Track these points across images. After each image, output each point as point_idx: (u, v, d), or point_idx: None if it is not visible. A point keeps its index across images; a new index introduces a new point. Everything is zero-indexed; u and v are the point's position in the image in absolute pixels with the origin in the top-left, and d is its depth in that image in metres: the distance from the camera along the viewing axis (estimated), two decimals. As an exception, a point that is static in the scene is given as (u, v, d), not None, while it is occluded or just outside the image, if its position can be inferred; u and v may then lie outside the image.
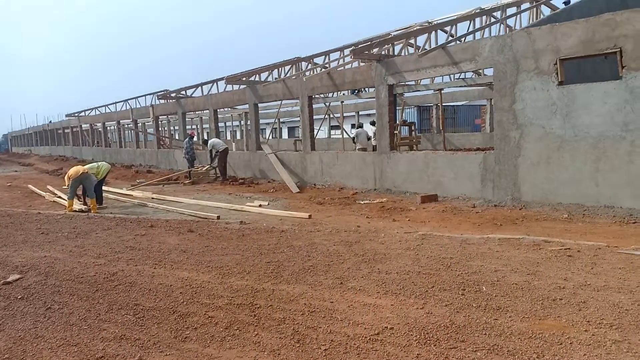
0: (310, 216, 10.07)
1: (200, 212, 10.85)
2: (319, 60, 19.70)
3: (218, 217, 10.22)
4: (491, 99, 26.34)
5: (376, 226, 8.86)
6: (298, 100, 21.26)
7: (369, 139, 20.33)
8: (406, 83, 18.50)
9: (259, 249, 6.91)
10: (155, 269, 6.15)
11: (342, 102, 24.95)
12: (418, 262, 5.85)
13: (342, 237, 7.54)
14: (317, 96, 20.38)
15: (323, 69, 17.33)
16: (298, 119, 39.98)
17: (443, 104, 29.39)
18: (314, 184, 15.36)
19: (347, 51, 19.14)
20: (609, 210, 8.88)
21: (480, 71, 19.23)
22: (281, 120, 39.34)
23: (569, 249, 6.24)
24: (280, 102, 21.52)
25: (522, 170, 10.23)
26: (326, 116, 26.21)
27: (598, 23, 8.84)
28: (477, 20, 15.47)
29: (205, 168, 18.88)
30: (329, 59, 19.56)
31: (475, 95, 26.14)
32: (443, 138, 19.70)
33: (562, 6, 15.07)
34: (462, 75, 20.40)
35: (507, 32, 14.89)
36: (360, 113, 33.45)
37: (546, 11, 16.17)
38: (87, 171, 12.13)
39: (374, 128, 21.33)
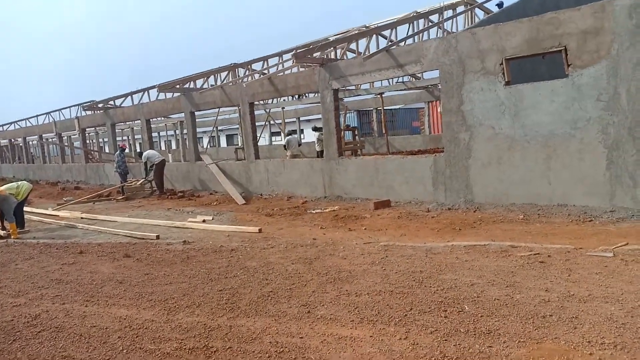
0: (260, 230, 9.38)
1: (136, 232, 9.84)
2: (257, 66, 19.03)
3: (157, 237, 9.29)
4: (429, 102, 26.80)
5: (333, 238, 8.33)
6: (237, 108, 20.42)
7: (299, 145, 20.05)
8: (349, 87, 18.22)
9: (208, 274, 6.16)
10: (86, 307, 5.26)
11: (283, 108, 24.37)
12: (387, 279, 5.37)
13: (299, 254, 6.94)
14: (257, 102, 19.66)
15: (262, 75, 16.69)
16: (236, 126, 38.98)
17: (379, 108, 29.71)
18: (260, 194, 14.64)
19: (286, 56, 18.62)
20: (562, 209, 8.87)
21: (419, 74, 19.37)
22: (219, 128, 38.14)
23: (538, 254, 5.99)
24: (217, 109, 20.64)
25: (473, 171, 10.09)
26: (267, 123, 25.54)
27: (542, 22, 8.83)
28: (416, 23, 15.47)
29: (140, 182, 17.61)
30: (267, 65, 18.93)
31: (414, 99, 26.43)
32: (386, 141, 19.61)
33: (495, 9, 15.36)
34: (402, 79, 20.47)
35: (445, 34, 14.95)
36: (302, 118, 33.01)
37: (480, 14, 16.48)
38: (4, 192, 10.75)
39: (316, 134, 20.95)
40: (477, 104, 9.84)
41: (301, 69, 14.41)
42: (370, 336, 3.92)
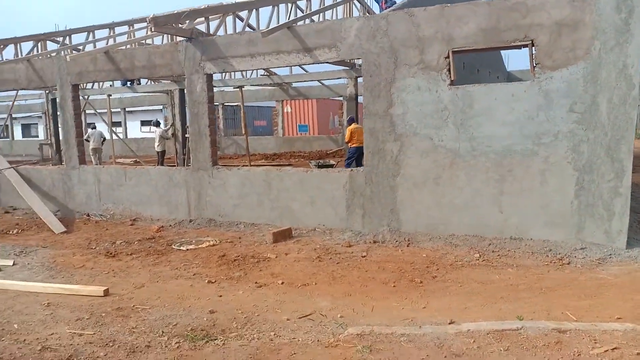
0: (107, 292, 5.67)
1: None
2: (79, 38, 14.33)
3: None
4: (282, 101, 24.50)
5: (241, 305, 5.18)
6: (42, 91, 15.41)
7: (104, 140, 16.54)
8: (231, 72, 14.57)
9: None
10: None
11: (109, 95, 19.30)
12: None
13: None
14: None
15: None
16: (37, 114, 31.40)
17: (226, 104, 26.38)
18: (87, 215, 10.35)
19: (120, 29, 14.31)
20: (518, 244, 7.12)
21: (273, 69, 16.82)
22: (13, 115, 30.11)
23: (617, 348, 3.84)
24: (16, 92, 15.13)
25: (401, 192, 7.86)
26: (83, 111, 20.16)
27: (504, 7, 6.93)
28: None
29: None
30: (93, 37, 14.34)
31: (266, 96, 23.77)
32: (246, 143, 16.49)
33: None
34: (263, 72, 17.68)
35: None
36: (128, 109, 27.70)
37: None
38: None
39: (158, 130, 16.95)
40: (412, 107, 7.61)
41: (139, 45, 10.56)
42: None
